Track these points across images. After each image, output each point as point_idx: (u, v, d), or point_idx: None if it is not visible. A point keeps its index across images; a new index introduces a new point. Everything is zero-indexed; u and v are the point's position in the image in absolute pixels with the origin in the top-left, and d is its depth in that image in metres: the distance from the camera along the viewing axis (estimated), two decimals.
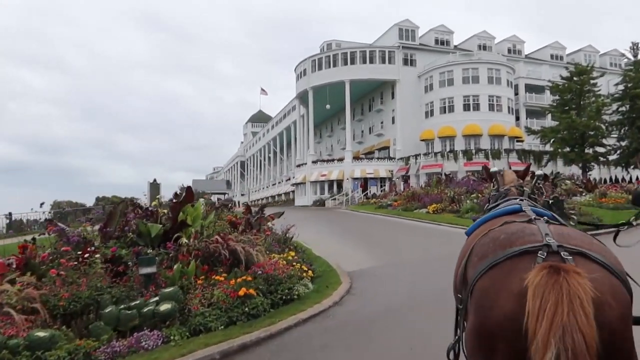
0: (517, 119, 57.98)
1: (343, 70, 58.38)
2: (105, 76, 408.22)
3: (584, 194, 23.67)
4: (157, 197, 27.56)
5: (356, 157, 59.76)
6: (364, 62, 58.08)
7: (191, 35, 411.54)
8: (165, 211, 8.48)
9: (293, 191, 68.52)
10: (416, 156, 53.49)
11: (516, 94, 58.85)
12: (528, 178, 3.78)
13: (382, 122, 62.14)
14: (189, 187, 8.46)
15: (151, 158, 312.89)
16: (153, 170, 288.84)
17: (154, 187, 26.87)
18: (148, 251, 7.39)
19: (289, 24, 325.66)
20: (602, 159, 42.68)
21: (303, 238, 16.70)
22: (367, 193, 52.64)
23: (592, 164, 42.74)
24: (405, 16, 58.77)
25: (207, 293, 6.48)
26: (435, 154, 52.21)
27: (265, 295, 6.93)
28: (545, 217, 2.41)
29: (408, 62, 58.61)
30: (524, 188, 3.33)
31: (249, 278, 6.79)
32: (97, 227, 8.27)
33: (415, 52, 59.02)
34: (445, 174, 39.72)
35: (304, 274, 8.42)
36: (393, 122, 58.79)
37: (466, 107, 53.54)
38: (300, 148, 72.60)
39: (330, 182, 58.62)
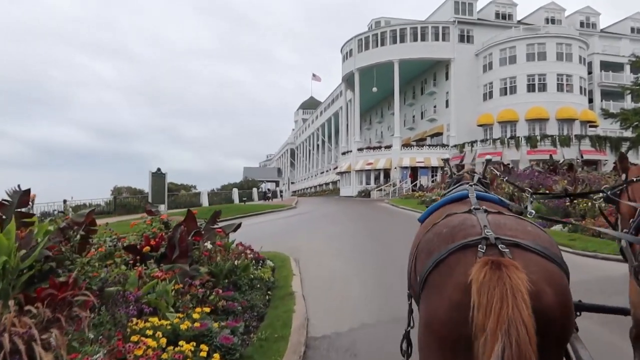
0: (591, 100, 50.93)
1: (391, 49, 53.32)
2: (169, 64, 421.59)
3: None
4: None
5: (406, 145, 54.72)
6: (415, 39, 52.77)
7: (252, 23, 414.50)
8: None
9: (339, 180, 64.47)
10: (472, 143, 47.88)
11: (589, 72, 51.72)
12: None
13: (434, 106, 56.63)
14: None
15: (211, 144, 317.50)
16: (212, 156, 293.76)
17: (157, 178, 23.15)
18: None
19: (348, 9, 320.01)
20: None
21: (307, 247, 12.94)
22: (416, 183, 47.75)
23: None
24: None
25: None
26: (494, 140, 46.45)
27: None
28: (484, 207, 2.53)
29: (464, 38, 52.75)
30: (475, 173, 3.64)
31: None
32: None
33: (472, 27, 53.00)
34: (503, 164, 34.21)
35: None
36: (447, 105, 53.28)
37: (530, 88, 47.30)
38: (347, 135, 68.30)
39: (377, 172, 54.04)
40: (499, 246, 2.05)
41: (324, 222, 20.08)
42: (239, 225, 8.42)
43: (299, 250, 12.62)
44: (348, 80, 60.97)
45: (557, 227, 13.53)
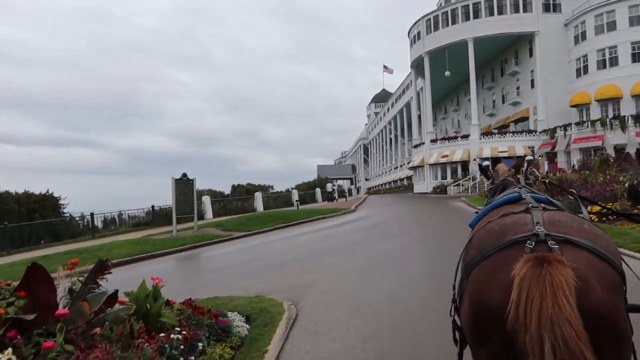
0: None
1: (464, 27, 47.54)
2: (247, 69, 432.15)
3: None
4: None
5: (486, 133, 48.72)
6: (491, 14, 46.64)
7: (327, 23, 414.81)
8: None
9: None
10: (565, 127, 41.18)
11: None
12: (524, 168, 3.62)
13: (517, 88, 50.02)
14: None
15: (291, 144, 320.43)
16: (293, 156, 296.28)
17: (183, 185, 19.60)
18: None
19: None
20: None
21: (325, 286, 8.98)
22: None
23: None
24: None
25: None
26: (593, 122, 39.42)
27: None
28: (542, 205, 2.41)
29: (550, 7, 45.89)
30: (518, 176, 3.40)
31: None
32: None
33: None
34: (617, 149, 27.75)
35: None
36: (532, 86, 46.67)
37: (637, 57, 39.77)
38: (420, 126, 62.87)
39: (454, 165, 48.51)
40: (549, 242, 1.98)
41: (372, 237, 15.63)
42: (112, 295, 4.28)
43: (312, 290, 8.46)
44: (417, 66, 55.66)
45: None
